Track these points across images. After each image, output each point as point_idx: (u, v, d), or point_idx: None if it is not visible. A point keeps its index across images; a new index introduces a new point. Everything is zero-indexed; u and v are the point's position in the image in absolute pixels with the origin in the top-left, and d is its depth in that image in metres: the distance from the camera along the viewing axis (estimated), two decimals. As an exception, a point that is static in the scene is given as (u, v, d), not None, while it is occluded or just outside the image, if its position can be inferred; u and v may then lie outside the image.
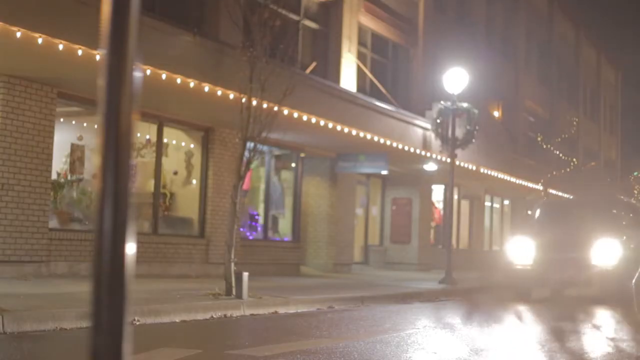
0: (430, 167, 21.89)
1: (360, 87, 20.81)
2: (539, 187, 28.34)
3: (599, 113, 47.09)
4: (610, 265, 13.93)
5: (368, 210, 23.69)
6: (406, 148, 19.46)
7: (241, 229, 16.16)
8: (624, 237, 14.62)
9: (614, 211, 16.31)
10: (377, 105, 19.16)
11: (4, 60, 11.17)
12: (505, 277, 14.94)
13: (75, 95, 12.79)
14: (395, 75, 23.70)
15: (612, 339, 8.53)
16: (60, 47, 10.29)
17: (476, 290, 15.68)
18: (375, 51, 22.76)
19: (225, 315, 9.64)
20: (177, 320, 8.92)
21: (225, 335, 8.23)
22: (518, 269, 14.68)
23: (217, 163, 16.09)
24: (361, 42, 21.53)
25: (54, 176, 12.99)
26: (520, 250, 14.83)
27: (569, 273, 13.92)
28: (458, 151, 19.56)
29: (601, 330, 9.81)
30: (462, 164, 21.76)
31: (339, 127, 16.47)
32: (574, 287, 14.76)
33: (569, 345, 7.71)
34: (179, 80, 12.27)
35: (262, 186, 18.54)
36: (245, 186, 15.56)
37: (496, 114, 30.69)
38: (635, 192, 42.33)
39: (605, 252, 14.05)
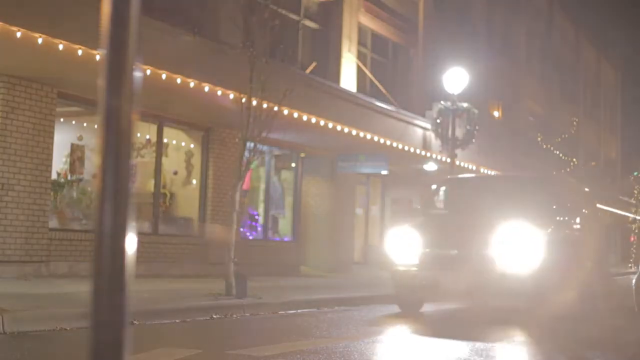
0: (430, 167, 21.88)
1: (360, 87, 20.81)
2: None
3: (599, 113, 47.07)
4: (525, 267, 9.94)
5: (368, 210, 23.68)
6: (406, 148, 19.46)
7: (241, 229, 16.16)
8: (550, 228, 10.72)
9: (545, 193, 11.91)
10: (377, 105, 19.15)
11: (4, 60, 11.16)
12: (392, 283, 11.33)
13: (75, 95, 12.78)
14: (395, 75, 23.69)
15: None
16: (60, 47, 10.30)
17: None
18: (375, 51, 22.76)
19: (225, 315, 9.64)
20: (177, 321, 8.92)
21: (225, 335, 8.23)
22: (400, 270, 10.75)
23: (217, 163, 16.09)
24: (361, 42, 21.53)
25: (54, 176, 12.99)
26: (402, 245, 10.78)
27: (465, 278, 10.06)
28: (458, 151, 19.56)
29: None
30: (462, 164, 21.75)
31: (339, 127, 16.46)
32: (478, 297, 11.43)
33: None
34: (179, 80, 12.27)
35: (262, 186, 18.54)
36: (245, 186, 15.58)
37: (496, 114, 30.69)
38: (635, 192, 42.33)
39: (520, 247, 9.97)
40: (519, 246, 9.97)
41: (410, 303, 11.18)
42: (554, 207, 11.55)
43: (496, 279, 9.86)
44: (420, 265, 10.52)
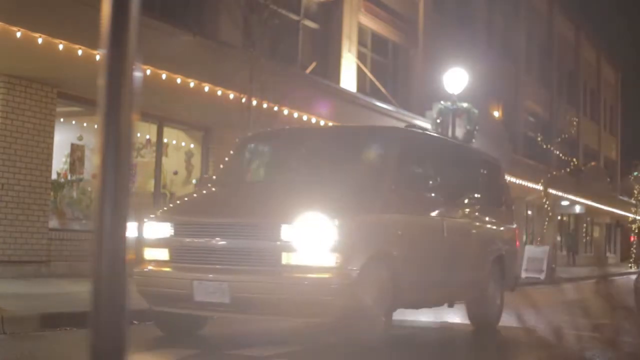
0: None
1: (360, 87, 20.80)
2: (539, 187, 28.33)
3: (599, 113, 47.08)
4: (328, 269, 6.44)
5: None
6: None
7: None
8: (360, 215, 6.92)
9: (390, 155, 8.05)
10: (377, 105, 19.14)
11: (4, 60, 11.16)
12: None
13: (75, 95, 12.78)
14: (395, 75, 23.69)
15: None
16: (60, 47, 10.29)
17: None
18: (375, 51, 22.76)
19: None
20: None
21: (225, 335, 8.22)
22: (144, 272, 6.99)
23: (217, 163, 16.09)
24: (361, 42, 21.52)
25: (54, 176, 12.98)
26: (152, 234, 7.15)
27: (232, 284, 6.54)
28: (458, 151, 19.53)
29: None
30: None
31: (339, 127, 16.46)
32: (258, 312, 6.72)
33: None
34: (179, 80, 12.27)
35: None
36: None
37: (496, 114, 30.68)
38: (635, 192, 42.34)
39: (316, 241, 6.45)
40: (317, 239, 6.42)
41: (173, 323, 7.38)
42: (401, 176, 7.66)
43: (279, 286, 6.39)
44: (169, 264, 6.97)
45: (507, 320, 9.02)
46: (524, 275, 21.94)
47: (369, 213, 7.12)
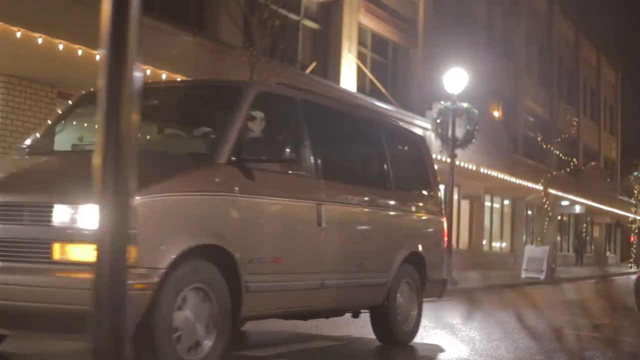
0: (430, 167, 21.85)
1: (360, 87, 20.80)
2: (539, 187, 28.35)
3: (599, 113, 47.10)
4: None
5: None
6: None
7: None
8: (173, 193, 5.11)
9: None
10: (377, 105, 19.15)
11: (4, 60, 11.17)
12: None
13: (76, 95, 12.79)
14: (395, 75, 23.69)
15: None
16: (60, 47, 10.30)
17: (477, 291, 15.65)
18: (375, 51, 22.76)
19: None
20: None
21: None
22: None
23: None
24: (361, 42, 21.52)
25: (54, 176, 12.99)
26: None
27: None
28: (458, 151, 19.55)
29: None
30: (462, 164, 21.75)
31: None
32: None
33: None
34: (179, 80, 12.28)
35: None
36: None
37: (496, 114, 30.69)
38: (635, 192, 42.35)
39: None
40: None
41: None
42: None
43: (48, 293, 4.71)
44: None
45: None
46: (524, 275, 21.97)
47: (190, 191, 5.21)
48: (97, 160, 1.50)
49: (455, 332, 9.09)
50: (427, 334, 8.75)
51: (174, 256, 4.86)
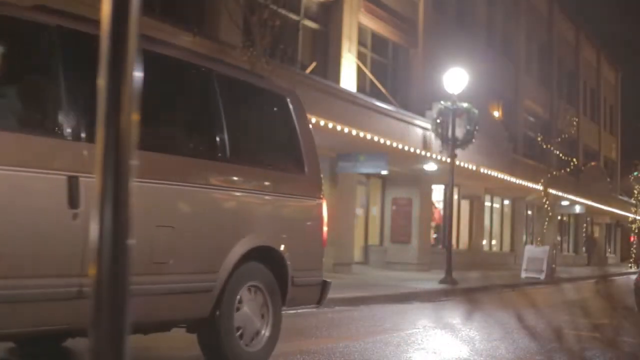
0: (430, 167, 21.89)
1: (360, 87, 20.81)
2: (539, 187, 28.37)
3: (599, 113, 47.10)
4: None
5: (368, 210, 23.69)
6: (406, 148, 19.45)
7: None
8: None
9: None
10: (377, 105, 19.16)
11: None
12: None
13: None
14: (395, 75, 23.70)
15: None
16: (60, 47, 10.29)
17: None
18: (375, 51, 22.76)
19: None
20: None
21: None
22: None
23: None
24: (361, 42, 21.53)
25: (54, 176, 12.97)
26: None
27: None
28: (458, 151, 19.56)
29: None
30: (462, 164, 21.75)
31: (339, 127, 16.46)
32: None
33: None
34: (179, 80, 12.27)
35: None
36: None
37: (496, 114, 30.71)
38: (635, 192, 42.36)
39: None
40: None
41: None
42: None
43: None
44: None
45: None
46: (524, 275, 21.97)
47: None
48: (97, 160, 1.50)
49: (455, 332, 9.10)
50: (427, 334, 8.75)
51: None
